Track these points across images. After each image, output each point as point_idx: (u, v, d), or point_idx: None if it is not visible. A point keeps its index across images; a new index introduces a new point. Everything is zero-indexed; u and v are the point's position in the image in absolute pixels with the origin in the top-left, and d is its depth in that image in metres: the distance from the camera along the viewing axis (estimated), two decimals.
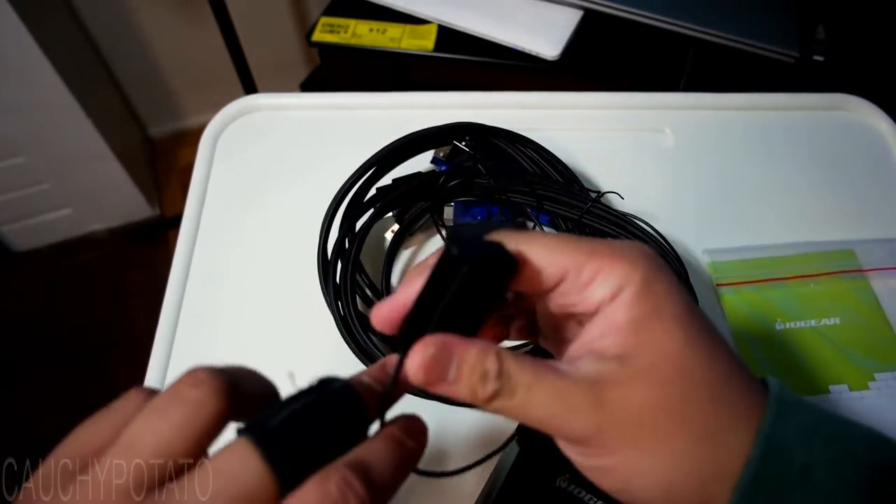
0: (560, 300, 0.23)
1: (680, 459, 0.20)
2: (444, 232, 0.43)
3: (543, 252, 0.22)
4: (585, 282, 0.22)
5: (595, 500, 0.32)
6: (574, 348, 0.23)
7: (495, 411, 0.21)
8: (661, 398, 0.20)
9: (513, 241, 0.22)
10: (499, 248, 0.22)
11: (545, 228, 0.44)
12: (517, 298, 0.26)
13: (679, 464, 0.20)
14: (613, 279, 0.21)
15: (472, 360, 0.21)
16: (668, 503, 0.21)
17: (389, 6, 0.72)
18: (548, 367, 0.21)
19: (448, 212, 0.43)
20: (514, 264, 0.22)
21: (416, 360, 0.21)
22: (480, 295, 0.22)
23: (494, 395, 0.21)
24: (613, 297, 0.21)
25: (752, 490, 0.20)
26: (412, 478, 0.24)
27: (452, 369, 0.21)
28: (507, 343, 0.41)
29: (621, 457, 0.21)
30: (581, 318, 0.23)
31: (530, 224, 0.44)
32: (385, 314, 0.24)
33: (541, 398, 0.21)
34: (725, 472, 0.20)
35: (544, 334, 0.27)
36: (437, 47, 0.70)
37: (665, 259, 0.36)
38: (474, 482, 0.36)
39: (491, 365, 0.21)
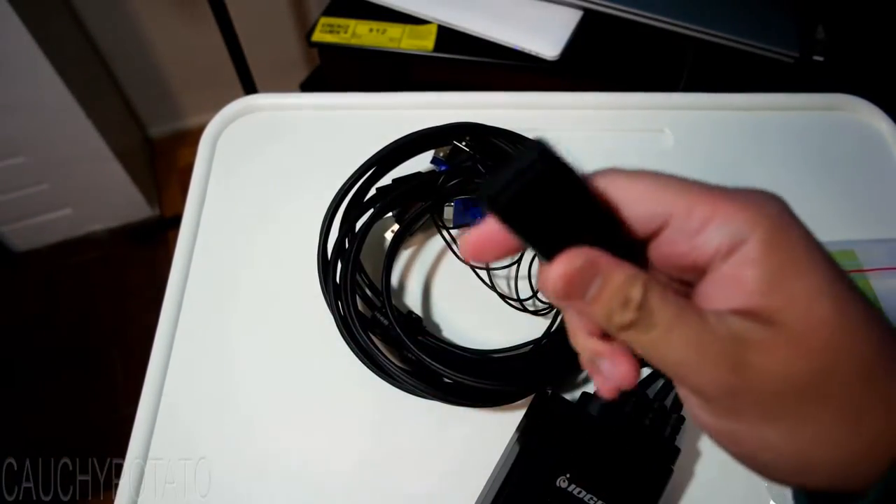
0: (665, 249, 0.20)
1: (821, 437, 0.18)
2: (444, 232, 0.43)
3: (633, 189, 0.19)
4: (696, 227, 0.19)
5: (595, 500, 0.32)
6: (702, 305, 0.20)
7: (626, 341, 0.20)
8: (808, 370, 0.18)
9: (599, 179, 0.20)
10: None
11: None
12: None
13: (820, 442, 0.18)
14: (733, 225, 0.18)
15: (618, 282, 0.19)
16: (799, 478, 0.19)
17: (389, 6, 0.72)
18: (694, 312, 0.19)
19: (448, 212, 0.43)
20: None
21: (559, 269, 0.19)
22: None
23: (630, 325, 0.19)
24: (733, 247, 0.18)
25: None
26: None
27: (594, 287, 0.19)
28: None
29: (751, 426, 0.19)
30: (693, 279, 0.20)
31: None
32: (474, 241, 0.21)
33: (676, 342, 0.18)
34: (874, 455, 0.18)
35: None
36: (437, 47, 0.70)
37: None
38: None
39: (636, 293, 0.19)
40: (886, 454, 0.18)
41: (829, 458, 0.18)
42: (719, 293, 0.19)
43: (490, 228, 0.20)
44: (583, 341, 0.22)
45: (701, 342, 0.18)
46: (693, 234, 0.19)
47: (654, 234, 0.20)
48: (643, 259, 0.21)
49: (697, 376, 0.19)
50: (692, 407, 0.20)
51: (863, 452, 0.18)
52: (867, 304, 0.19)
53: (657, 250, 0.20)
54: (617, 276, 0.19)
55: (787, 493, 0.35)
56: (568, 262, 0.19)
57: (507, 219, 0.19)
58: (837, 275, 0.18)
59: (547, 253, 0.19)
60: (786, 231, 0.18)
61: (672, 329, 0.18)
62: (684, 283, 0.21)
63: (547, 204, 0.18)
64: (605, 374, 0.22)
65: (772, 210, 0.18)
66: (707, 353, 0.18)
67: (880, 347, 0.18)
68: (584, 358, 0.23)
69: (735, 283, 0.18)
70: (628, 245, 0.20)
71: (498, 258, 0.21)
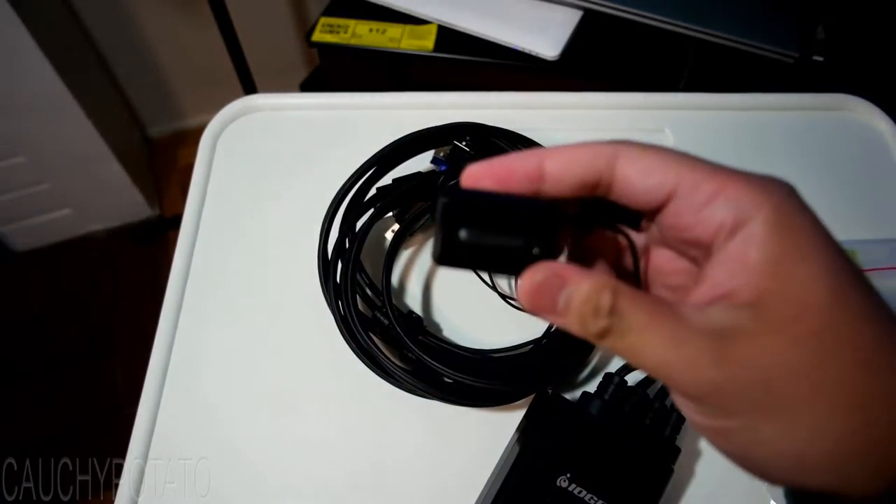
0: (671, 220, 0.20)
1: (818, 432, 0.17)
2: None
3: (644, 159, 0.20)
4: (703, 201, 0.19)
5: (595, 499, 0.32)
6: (701, 291, 0.19)
7: (605, 349, 0.20)
8: (798, 358, 0.17)
9: (608, 144, 0.20)
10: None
11: None
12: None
13: (817, 437, 0.17)
14: (739, 203, 0.18)
15: (586, 291, 0.19)
16: (798, 477, 0.18)
17: (389, 6, 0.72)
18: (668, 310, 0.19)
19: None
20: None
21: (524, 285, 0.20)
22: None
23: (605, 332, 0.19)
24: (737, 225, 0.18)
25: None
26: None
27: (562, 299, 0.19)
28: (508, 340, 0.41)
29: (742, 421, 0.18)
30: (696, 254, 0.20)
31: None
32: (478, 173, 0.21)
33: (653, 344, 0.18)
34: (877, 454, 0.17)
35: (653, 280, 0.23)
36: (437, 47, 0.70)
37: None
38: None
39: (605, 300, 0.19)
40: (892, 455, 0.17)
41: (829, 455, 0.17)
42: (723, 273, 0.18)
43: (497, 166, 0.21)
44: None
45: (678, 340, 0.18)
46: (699, 207, 0.19)
47: (662, 206, 0.20)
48: (638, 227, 0.22)
49: (680, 377, 0.18)
50: (684, 408, 0.20)
51: (866, 449, 0.17)
52: (870, 295, 0.18)
53: (663, 222, 0.20)
54: (584, 286, 0.19)
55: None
56: (530, 277, 0.19)
57: (460, 263, 0.20)
58: (841, 262, 0.18)
59: (516, 272, 0.20)
60: (792, 214, 0.18)
61: (646, 331, 0.18)
62: (692, 259, 0.21)
63: (477, 231, 0.19)
64: None
65: (779, 193, 0.18)
66: (686, 350, 0.18)
67: (880, 338, 0.18)
68: None
69: (739, 263, 0.18)
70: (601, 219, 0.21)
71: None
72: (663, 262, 0.22)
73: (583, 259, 0.23)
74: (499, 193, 0.21)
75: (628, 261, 0.23)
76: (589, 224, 0.23)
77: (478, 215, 0.20)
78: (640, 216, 0.22)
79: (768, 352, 0.17)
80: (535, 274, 0.19)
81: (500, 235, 0.20)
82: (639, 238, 0.23)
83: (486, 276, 0.42)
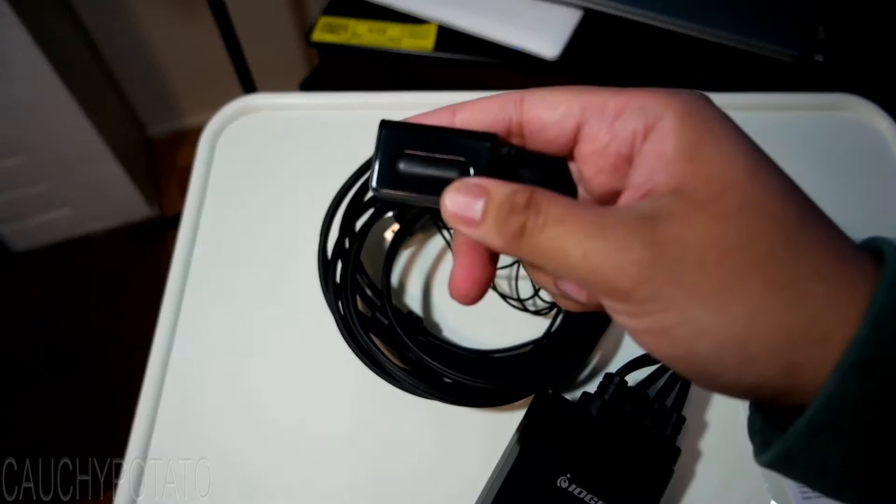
0: (589, 147, 0.19)
1: (754, 310, 0.16)
2: (444, 232, 0.43)
3: (548, 96, 0.20)
4: (612, 116, 0.19)
5: (595, 499, 0.32)
6: (626, 196, 0.19)
7: (528, 254, 0.19)
8: (727, 234, 0.17)
9: (513, 92, 0.20)
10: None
11: None
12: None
13: (754, 316, 0.16)
14: (647, 106, 0.18)
15: (502, 194, 0.19)
16: (744, 372, 0.17)
17: (389, 6, 0.72)
18: (591, 204, 0.19)
19: None
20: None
21: (445, 200, 0.20)
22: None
23: (522, 230, 0.18)
24: (649, 127, 0.18)
25: (858, 372, 0.15)
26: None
27: (478, 207, 0.19)
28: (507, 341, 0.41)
29: (680, 311, 0.17)
30: (620, 184, 0.20)
31: None
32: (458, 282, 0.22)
33: (575, 233, 0.17)
34: (815, 338, 0.16)
35: None
36: (437, 47, 0.70)
37: None
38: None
39: (520, 198, 0.18)
40: (835, 335, 0.16)
41: (770, 337, 0.16)
42: (643, 174, 0.18)
43: (462, 265, 0.22)
44: (538, 272, 0.22)
45: (602, 227, 0.17)
46: (610, 123, 0.19)
47: (575, 137, 0.20)
48: (570, 183, 0.22)
49: (608, 265, 0.17)
50: (619, 317, 0.19)
51: (805, 330, 0.16)
52: (785, 175, 0.18)
53: (582, 153, 0.20)
54: (499, 190, 0.19)
55: (787, 493, 0.35)
56: (450, 190, 0.20)
57: (397, 189, 0.21)
58: (753, 146, 0.18)
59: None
60: (700, 108, 0.18)
61: (566, 221, 0.18)
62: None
63: (407, 157, 0.21)
64: (571, 295, 0.22)
65: (684, 94, 0.18)
66: (611, 236, 0.17)
67: (802, 216, 0.17)
68: (548, 286, 0.22)
69: (655, 158, 0.18)
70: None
71: (483, 286, 0.22)
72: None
73: None
74: (438, 126, 0.21)
75: None
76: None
77: (415, 144, 0.21)
78: (564, 163, 0.22)
79: (697, 229, 0.17)
80: (455, 187, 0.20)
81: (436, 161, 0.21)
82: None
83: None
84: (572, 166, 0.22)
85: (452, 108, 0.21)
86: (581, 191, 0.22)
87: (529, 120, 0.20)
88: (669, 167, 0.18)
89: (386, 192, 0.21)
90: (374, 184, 0.21)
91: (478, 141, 0.21)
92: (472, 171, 0.20)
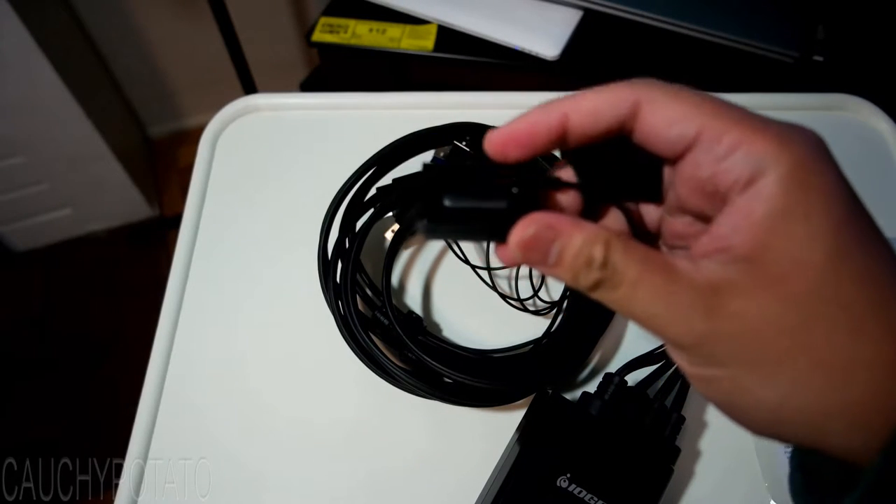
0: (690, 170, 0.19)
1: (797, 386, 0.18)
2: None
3: (667, 109, 0.19)
4: (723, 153, 0.18)
5: (595, 500, 0.32)
6: (703, 243, 0.19)
7: (597, 300, 0.20)
8: (785, 316, 0.17)
9: (630, 90, 0.20)
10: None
11: None
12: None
13: (795, 390, 0.18)
14: (757, 155, 0.18)
15: (578, 244, 0.19)
16: (774, 428, 0.19)
17: (389, 6, 0.72)
18: (662, 263, 0.19)
19: None
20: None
21: (516, 236, 0.20)
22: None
23: (597, 285, 0.19)
24: (752, 179, 0.18)
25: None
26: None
27: (554, 252, 0.19)
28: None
29: (729, 371, 0.18)
30: (712, 212, 0.19)
31: None
32: (501, 138, 0.21)
33: (644, 297, 0.19)
34: (854, 413, 0.17)
35: (673, 245, 0.23)
36: (437, 47, 0.70)
37: None
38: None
39: (597, 253, 0.19)
40: (877, 416, 0.17)
41: (805, 409, 0.18)
42: (727, 226, 0.18)
43: (518, 127, 0.21)
44: None
45: (670, 293, 0.18)
46: (719, 159, 0.18)
47: (683, 154, 0.19)
48: (658, 186, 0.22)
49: (670, 328, 0.19)
50: (674, 356, 0.20)
51: (843, 408, 0.18)
52: (877, 257, 0.18)
53: (683, 171, 0.20)
54: (576, 238, 0.19)
55: (787, 493, 0.35)
56: (522, 229, 0.20)
57: (446, 231, 0.20)
58: (851, 223, 0.18)
59: (500, 235, 0.20)
60: (810, 171, 0.18)
61: (639, 284, 0.19)
62: (701, 217, 0.20)
63: (459, 195, 0.20)
64: None
65: (801, 146, 0.18)
66: (677, 303, 0.18)
67: (878, 302, 0.17)
68: None
69: (743, 217, 0.18)
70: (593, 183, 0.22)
71: (520, 157, 0.21)
72: (682, 228, 0.22)
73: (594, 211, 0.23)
74: (476, 162, 0.21)
75: (644, 211, 0.23)
76: (590, 195, 0.23)
77: (458, 182, 0.20)
78: (660, 167, 0.22)
79: (756, 307, 0.18)
80: (528, 226, 0.20)
81: (480, 198, 0.20)
82: (654, 210, 0.23)
83: (485, 276, 0.42)
84: (668, 171, 0.22)
85: (562, 110, 0.21)
86: (671, 196, 0.22)
87: (641, 129, 0.20)
88: (751, 232, 0.18)
89: (439, 231, 0.20)
90: (424, 224, 0.20)
91: (520, 169, 0.21)
92: (514, 189, 0.20)
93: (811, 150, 0.18)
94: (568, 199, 0.22)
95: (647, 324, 0.19)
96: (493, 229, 0.20)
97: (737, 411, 0.19)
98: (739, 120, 0.18)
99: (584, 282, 0.19)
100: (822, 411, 0.18)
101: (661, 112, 0.19)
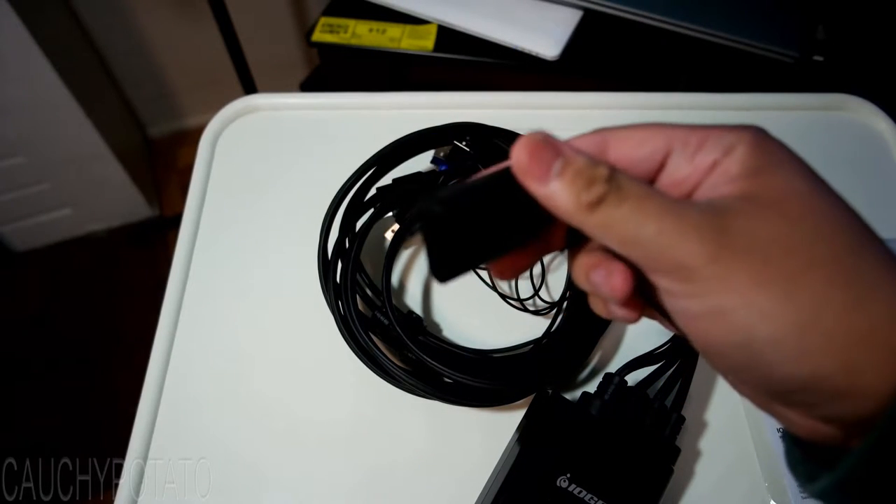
0: (669, 179, 0.20)
1: (819, 302, 0.17)
2: None
3: (633, 135, 0.20)
4: (694, 149, 0.20)
5: (595, 500, 0.32)
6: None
7: (596, 225, 0.19)
8: (792, 232, 0.17)
9: (596, 135, 0.21)
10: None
11: None
12: None
13: (818, 306, 0.17)
14: (725, 139, 0.19)
15: (581, 163, 0.19)
16: (802, 364, 0.17)
17: (389, 6, 0.72)
18: (666, 191, 0.19)
19: None
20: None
21: (521, 143, 0.20)
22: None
23: (600, 200, 0.19)
24: (724, 156, 0.19)
25: None
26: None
27: (558, 164, 0.19)
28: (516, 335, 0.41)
29: (743, 294, 0.17)
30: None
31: None
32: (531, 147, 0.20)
33: (653, 210, 0.18)
34: (877, 342, 0.16)
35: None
36: (437, 47, 0.70)
37: None
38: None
39: (602, 170, 0.19)
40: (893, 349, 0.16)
41: (832, 331, 0.17)
42: (709, 188, 0.19)
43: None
44: (579, 260, 0.22)
45: (679, 211, 0.18)
46: (692, 155, 0.20)
47: (659, 170, 0.20)
48: None
49: (680, 246, 0.18)
50: (675, 298, 0.19)
51: (869, 331, 0.17)
52: (842, 197, 0.19)
53: (662, 183, 0.21)
54: (579, 159, 0.19)
55: (787, 493, 0.35)
56: (528, 137, 0.20)
57: (462, 268, 0.21)
58: (813, 172, 0.19)
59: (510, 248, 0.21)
60: (769, 142, 0.19)
61: (646, 199, 0.19)
62: None
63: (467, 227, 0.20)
64: (600, 286, 0.21)
65: (755, 131, 0.20)
66: (687, 219, 0.18)
67: (860, 229, 0.18)
68: (580, 277, 0.22)
69: (721, 176, 0.19)
70: None
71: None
72: None
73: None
74: (470, 185, 0.20)
75: None
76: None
77: (462, 216, 0.20)
78: None
79: (765, 225, 0.18)
80: (535, 135, 0.20)
81: (487, 221, 0.20)
82: None
83: (485, 276, 0.42)
84: None
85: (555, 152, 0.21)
86: None
87: (618, 159, 0.21)
88: (734, 182, 0.19)
89: (453, 276, 0.21)
90: (439, 276, 0.20)
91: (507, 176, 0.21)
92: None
93: (763, 133, 0.20)
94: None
95: (655, 241, 0.18)
96: (513, 242, 0.21)
97: (759, 351, 0.18)
98: (696, 127, 0.20)
99: (585, 197, 0.19)
100: (848, 332, 0.17)
101: (629, 139, 0.21)
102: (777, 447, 0.36)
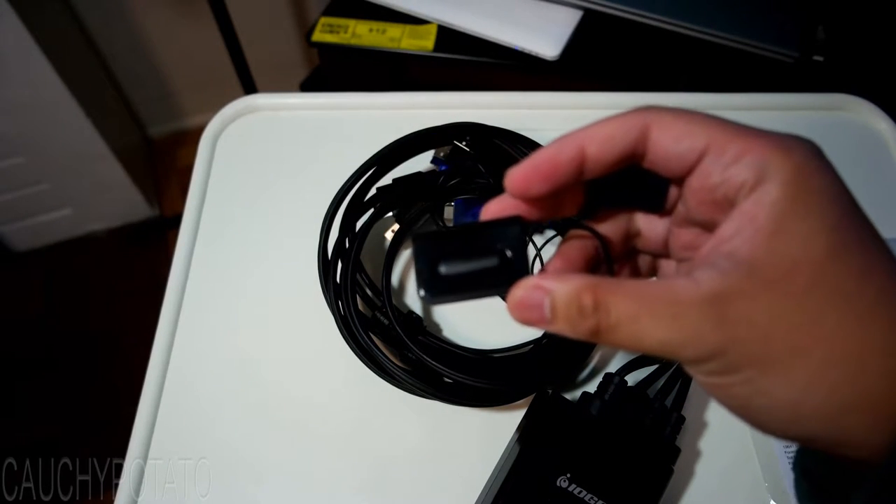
0: (700, 182, 0.20)
1: (812, 380, 0.18)
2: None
3: (676, 126, 0.20)
4: (729, 160, 0.19)
5: (595, 500, 0.32)
6: (707, 247, 0.20)
7: (608, 344, 0.20)
8: (793, 313, 0.18)
9: (639, 116, 0.20)
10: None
11: (545, 227, 0.44)
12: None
13: (810, 385, 0.18)
14: (761, 161, 0.18)
15: (565, 294, 0.19)
16: (793, 428, 0.19)
17: (389, 6, 0.72)
18: (658, 290, 0.19)
19: (448, 211, 0.43)
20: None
21: (511, 305, 0.20)
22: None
23: (595, 332, 0.19)
24: (757, 182, 0.18)
25: None
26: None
27: (547, 308, 0.20)
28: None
29: (744, 375, 0.18)
30: (719, 218, 0.20)
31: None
32: (524, 173, 0.21)
33: (648, 327, 0.19)
34: (871, 404, 0.18)
35: (682, 257, 0.24)
36: (437, 47, 0.70)
37: None
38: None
39: (586, 299, 0.19)
40: (889, 410, 0.17)
41: (822, 405, 0.18)
42: (732, 228, 0.19)
43: (540, 159, 0.21)
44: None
45: (675, 316, 0.18)
46: (726, 166, 0.19)
47: (692, 168, 0.20)
48: (661, 202, 0.23)
49: (684, 350, 0.19)
50: (689, 370, 0.20)
51: (861, 400, 0.18)
52: (875, 251, 0.18)
53: (692, 183, 0.20)
54: (561, 291, 0.20)
55: (787, 493, 0.35)
56: (513, 295, 0.21)
57: (443, 295, 0.21)
58: (847, 220, 0.18)
59: (500, 290, 0.21)
60: (809, 176, 0.18)
61: (639, 318, 0.19)
62: (708, 228, 0.21)
63: (445, 260, 0.21)
64: None
65: (801, 153, 0.19)
66: (685, 323, 0.18)
67: (881, 293, 0.18)
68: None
69: (747, 220, 0.19)
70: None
71: (543, 191, 0.21)
72: (690, 238, 0.23)
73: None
74: (464, 225, 0.22)
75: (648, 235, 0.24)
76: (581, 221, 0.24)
77: (449, 247, 0.21)
78: (667, 184, 0.23)
79: (763, 308, 0.18)
80: (517, 291, 0.20)
81: (474, 260, 0.21)
82: (658, 223, 0.24)
83: None
84: (674, 189, 0.23)
85: (578, 141, 0.21)
86: (680, 208, 0.23)
87: (653, 149, 0.21)
88: (754, 235, 0.18)
89: (439, 298, 0.21)
90: (423, 294, 0.21)
91: (506, 227, 0.21)
92: (508, 253, 0.21)
93: (810, 156, 0.19)
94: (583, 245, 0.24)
95: (660, 351, 0.19)
96: (492, 291, 0.21)
97: (754, 414, 0.19)
98: (742, 131, 0.19)
99: (582, 330, 0.19)
100: (840, 405, 0.18)
101: (670, 130, 0.20)
102: (777, 447, 0.36)
